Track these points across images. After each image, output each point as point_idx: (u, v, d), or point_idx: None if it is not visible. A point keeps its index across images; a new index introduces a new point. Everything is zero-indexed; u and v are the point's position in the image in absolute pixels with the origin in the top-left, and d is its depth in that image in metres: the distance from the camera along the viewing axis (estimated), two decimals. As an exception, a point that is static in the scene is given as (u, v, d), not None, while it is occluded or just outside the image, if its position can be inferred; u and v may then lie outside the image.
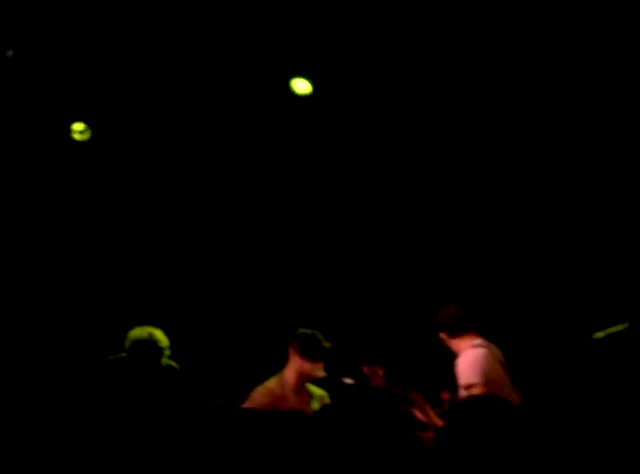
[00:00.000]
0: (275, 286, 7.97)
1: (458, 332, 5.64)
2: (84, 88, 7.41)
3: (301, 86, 7.20)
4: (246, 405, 5.60)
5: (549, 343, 7.00)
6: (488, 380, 5.31)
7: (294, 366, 5.65)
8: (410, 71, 7.21)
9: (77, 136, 7.64)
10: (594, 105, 7.02)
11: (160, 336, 6.02)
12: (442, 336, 5.70)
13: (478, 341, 5.59)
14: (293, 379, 5.65)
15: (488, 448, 3.71)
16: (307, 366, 5.62)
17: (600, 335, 5.54)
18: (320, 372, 5.64)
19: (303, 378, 5.67)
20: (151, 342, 5.94)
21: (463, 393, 5.31)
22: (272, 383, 5.67)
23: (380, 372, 5.60)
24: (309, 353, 5.61)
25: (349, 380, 5.67)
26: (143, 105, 7.61)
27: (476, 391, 5.19)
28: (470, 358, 5.47)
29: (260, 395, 5.62)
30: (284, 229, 8.02)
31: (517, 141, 7.34)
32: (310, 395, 5.74)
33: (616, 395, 4.97)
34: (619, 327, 5.62)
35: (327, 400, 5.75)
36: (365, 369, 5.59)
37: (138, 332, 6.04)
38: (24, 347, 7.49)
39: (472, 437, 3.81)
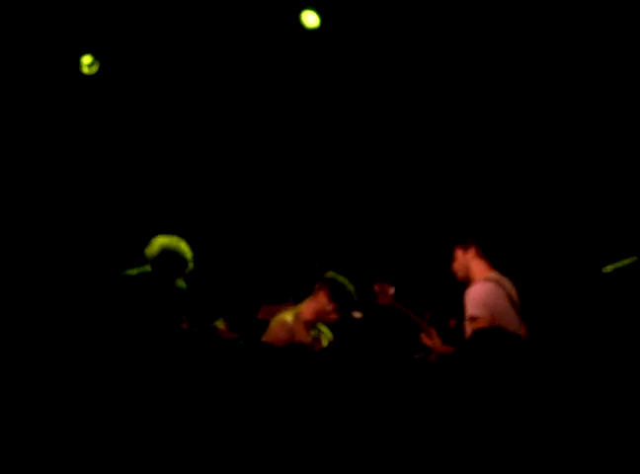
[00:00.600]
0: (282, 210, 8.00)
1: (488, 255, 5.61)
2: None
3: (311, 19, 7.16)
4: (266, 338, 5.62)
5: (558, 276, 7.02)
6: (493, 314, 5.33)
7: (318, 305, 5.68)
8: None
9: (85, 69, 7.60)
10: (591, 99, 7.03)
11: (186, 247, 5.96)
12: (470, 253, 5.65)
13: (491, 274, 5.60)
14: (312, 316, 5.69)
15: (493, 382, 3.75)
16: (330, 310, 5.66)
17: (609, 268, 5.53)
18: (335, 317, 5.70)
19: (320, 318, 5.70)
20: (179, 252, 5.90)
21: (467, 324, 5.34)
22: (289, 316, 5.69)
23: (391, 291, 5.64)
24: (339, 299, 5.64)
25: (357, 314, 5.71)
26: (150, 41, 7.58)
27: (479, 324, 5.21)
28: (479, 291, 5.47)
29: (278, 329, 5.64)
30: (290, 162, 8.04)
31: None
32: (319, 331, 5.79)
33: (624, 331, 5.00)
34: (628, 260, 5.61)
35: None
36: (377, 287, 5.63)
37: (166, 240, 5.98)
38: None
39: (478, 370, 3.85)
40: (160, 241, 5.92)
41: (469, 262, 5.60)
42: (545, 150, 7.29)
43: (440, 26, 7.16)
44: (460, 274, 5.65)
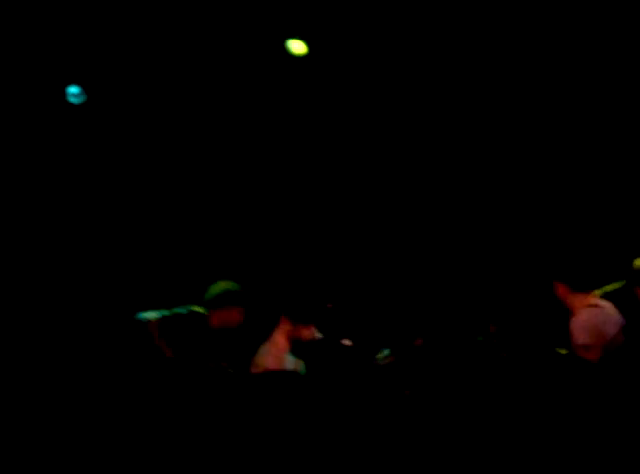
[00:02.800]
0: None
1: (580, 289, 5.43)
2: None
3: (297, 47, 7.17)
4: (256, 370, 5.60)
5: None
6: (603, 342, 5.21)
7: (285, 330, 5.64)
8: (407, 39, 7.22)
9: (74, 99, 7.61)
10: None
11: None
12: (561, 290, 5.50)
13: (595, 300, 5.40)
14: (286, 343, 5.64)
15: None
16: (298, 331, 5.62)
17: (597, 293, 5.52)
18: (313, 334, 5.64)
19: (295, 341, 5.65)
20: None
21: (579, 353, 5.20)
22: (267, 348, 5.66)
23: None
24: (300, 318, 5.61)
25: (347, 342, 5.69)
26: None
27: (592, 354, 5.11)
28: (586, 318, 5.28)
29: (266, 361, 5.61)
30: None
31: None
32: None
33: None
34: (618, 285, 5.62)
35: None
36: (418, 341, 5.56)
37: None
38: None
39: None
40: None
41: (565, 297, 5.51)
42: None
43: (438, 27, 7.15)
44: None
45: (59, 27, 7.20)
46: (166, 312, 5.97)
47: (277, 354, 5.60)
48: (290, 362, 5.63)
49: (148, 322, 5.89)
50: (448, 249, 7.59)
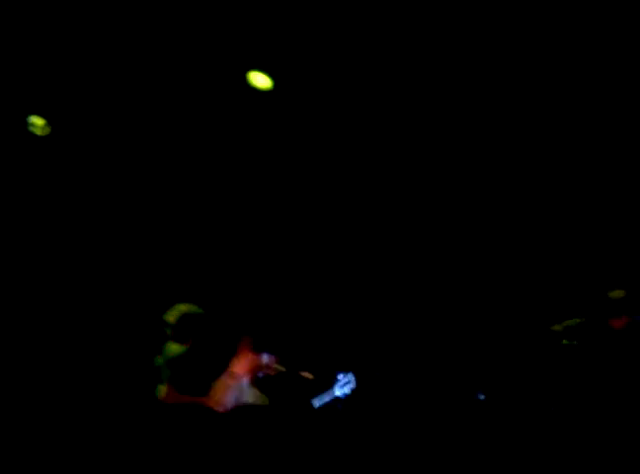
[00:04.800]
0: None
1: None
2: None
3: (260, 80, 7.20)
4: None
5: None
6: None
7: (245, 361, 5.59)
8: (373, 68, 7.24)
9: (38, 131, 7.58)
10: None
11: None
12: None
13: None
14: (247, 374, 5.58)
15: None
16: (260, 361, 5.57)
17: (557, 328, 5.57)
18: (275, 366, 5.63)
19: (256, 373, 5.62)
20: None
21: None
22: (225, 380, 5.60)
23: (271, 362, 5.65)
24: (258, 346, 5.56)
25: (307, 374, 5.68)
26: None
27: None
28: None
29: (225, 395, 5.55)
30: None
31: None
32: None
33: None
34: (574, 321, 5.67)
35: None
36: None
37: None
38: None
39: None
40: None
41: None
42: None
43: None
44: None
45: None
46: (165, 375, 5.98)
47: (236, 386, 5.54)
48: (251, 395, 5.59)
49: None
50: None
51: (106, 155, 7.91)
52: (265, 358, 5.54)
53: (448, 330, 7.15)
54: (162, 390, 5.72)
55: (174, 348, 6.02)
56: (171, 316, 6.07)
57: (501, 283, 7.37)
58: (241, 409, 5.25)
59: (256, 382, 5.64)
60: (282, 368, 5.62)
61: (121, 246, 8.00)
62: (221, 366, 5.70)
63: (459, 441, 4.39)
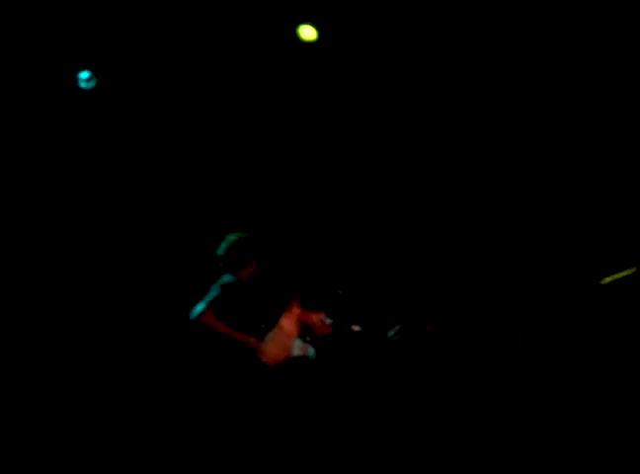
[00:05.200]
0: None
1: None
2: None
3: (307, 32, 7.17)
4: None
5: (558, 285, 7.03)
6: None
7: (293, 316, 5.54)
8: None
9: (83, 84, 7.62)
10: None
11: None
12: None
13: None
14: (295, 329, 5.55)
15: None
16: (307, 316, 5.55)
17: (607, 280, 5.54)
18: (322, 320, 5.49)
19: (304, 327, 5.59)
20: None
21: None
22: (274, 334, 5.60)
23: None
24: (309, 303, 5.54)
25: (356, 327, 5.69)
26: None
27: None
28: None
29: (274, 349, 5.57)
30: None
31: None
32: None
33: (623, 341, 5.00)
34: (627, 272, 5.64)
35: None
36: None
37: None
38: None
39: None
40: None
41: None
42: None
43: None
44: None
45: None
46: (210, 297, 6.02)
47: (284, 340, 5.57)
48: (298, 348, 5.61)
49: (203, 314, 5.97)
50: (457, 238, 7.61)
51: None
52: (314, 315, 5.54)
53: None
54: (200, 311, 5.90)
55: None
56: (221, 248, 6.17)
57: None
58: (290, 362, 5.31)
59: (305, 335, 5.68)
60: (330, 321, 5.63)
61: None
62: (269, 310, 5.78)
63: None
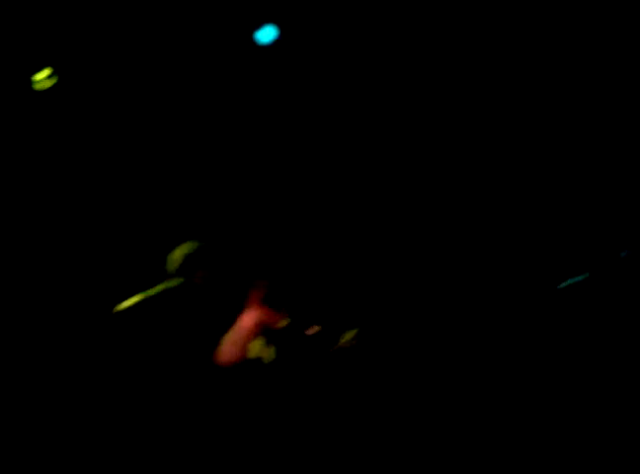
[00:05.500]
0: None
1: None
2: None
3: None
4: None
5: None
6: None
7: (252, 315, 5.41)
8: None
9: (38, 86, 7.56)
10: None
11: None
12: None
13: None
14: (253, 329, 5.42)
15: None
16: (268, 315, 5.45)
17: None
18: (282, 320, 5.49)
19: (264, 327, 5.48)
20: None
21: None
22: (232, 335, 5.50)
23: None
24: (270, 301, 5.46)
25: (316, 327, 5.68)
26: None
27: None
28: None
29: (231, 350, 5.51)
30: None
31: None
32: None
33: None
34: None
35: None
36: None
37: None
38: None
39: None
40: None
41: None
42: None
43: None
44: None
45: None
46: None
47: (241, 340, 5.47)
48: (256, 349, 5.56)
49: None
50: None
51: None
52: (272, 313, 5.43)
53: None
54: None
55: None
56: (173, 261, 5.90)
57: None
58: (246, 363, 5.28)
59: (263, 337, 5.62)
60: (289, 321, 5.58)
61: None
62: (227, 319, 5.71)
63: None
